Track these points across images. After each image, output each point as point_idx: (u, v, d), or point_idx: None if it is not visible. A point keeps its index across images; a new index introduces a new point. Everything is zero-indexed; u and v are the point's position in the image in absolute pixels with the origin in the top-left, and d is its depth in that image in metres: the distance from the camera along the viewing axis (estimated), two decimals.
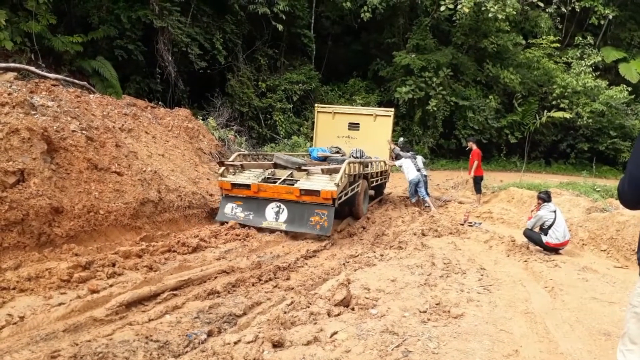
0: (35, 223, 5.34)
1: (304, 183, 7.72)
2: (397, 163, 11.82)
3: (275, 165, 8.57)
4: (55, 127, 6.47)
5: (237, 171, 8.19)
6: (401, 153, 12.17)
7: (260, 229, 7.70)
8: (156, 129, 9.76)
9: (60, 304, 4.08)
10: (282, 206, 7.69)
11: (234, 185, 7.88)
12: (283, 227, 7.65)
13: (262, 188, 7.72)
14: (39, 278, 4.57)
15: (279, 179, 8.01)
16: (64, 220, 5.72)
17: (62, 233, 5.59)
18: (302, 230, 7.60)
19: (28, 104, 6.39)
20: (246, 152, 11.17)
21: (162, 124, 10.28)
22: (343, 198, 8.13)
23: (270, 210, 7.74)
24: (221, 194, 8.15)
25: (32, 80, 8.29)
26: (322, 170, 7.88)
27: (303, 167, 8.11)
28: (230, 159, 8.53)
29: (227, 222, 7.77)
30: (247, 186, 7.78)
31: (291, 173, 8.22)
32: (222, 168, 8.12)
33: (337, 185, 7.48)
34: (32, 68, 9.93)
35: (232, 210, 7.89)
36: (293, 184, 7.73)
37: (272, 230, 7.65)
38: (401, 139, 15.97)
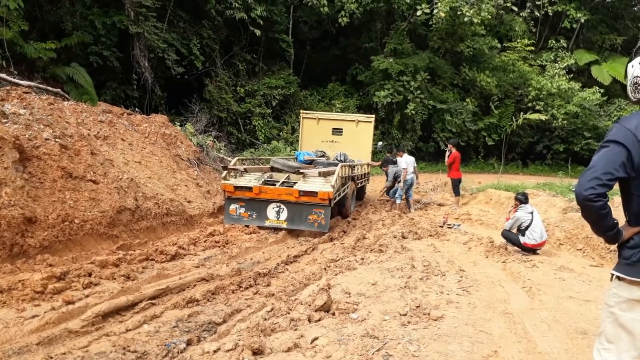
0: (8, 234, 5.21)
1: (302, 185, 8.32)
2: (403, 161, 11.82)
3: (272, 169, 9.11)
4: (27, 136, 6.35)
5: (239, 174, 8.72)
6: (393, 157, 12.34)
7: (248, 229, 8.28)
8: (133, 136, 9.63)
9: (34, 317, 3.99)
10: (282, 206, 8.34)
11: (237, 187, 8.39)
12: (284, 225, 8.35)
13: (263, 190, 8.34)
14: (12, 290, 4.46)
15: (278, 181, 8.62)
16: (37, 230, 5.60)
17: (35, 243, 5.48)
18: (302, 227, 8.37)
19: None
20: (245, 157, 11.51)
21: (139, 131, 10.15)
22: (337, 198, 8.81)
23: (271, 210, 8.36)
24: (224, 197, 8.63)
25: (3, 88, 8.10)
26: (319, 173, 8.50)
27: (300, 171, 8.78)
28: (232, 163, 9.04)
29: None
30: (249, 188, 8.34)
31: (288, 176, 8.87)
32: (225, 172, 8.61)
33: (333, 187, 8.18)
34: (4, 75, 9.71)
35: (236, 211, 8.45)
36: (292, 186, 8.32)
37: (274, 229, 8.38)
38: (380, 142, 16.08)
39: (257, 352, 3.44)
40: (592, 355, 2.50)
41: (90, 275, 5.17)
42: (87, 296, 4.59)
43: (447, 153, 12.62)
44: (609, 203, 2.25)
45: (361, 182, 12.41)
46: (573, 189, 11.50)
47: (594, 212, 2.23)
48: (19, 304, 4.28)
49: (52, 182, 6.21)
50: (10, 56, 11.85)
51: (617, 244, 2.41)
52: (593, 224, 2.33)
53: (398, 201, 11.90)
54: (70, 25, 13.92)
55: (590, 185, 2.17)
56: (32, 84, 9.84)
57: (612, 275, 2.41)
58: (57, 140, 6.71)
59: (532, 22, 27.18)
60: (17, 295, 4.41)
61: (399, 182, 11.77)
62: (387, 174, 12.36)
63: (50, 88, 10.32)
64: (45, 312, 4.08)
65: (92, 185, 6.77)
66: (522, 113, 23.27)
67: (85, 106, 9.39)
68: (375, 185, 16.13)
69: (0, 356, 3.34)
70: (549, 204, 10.29)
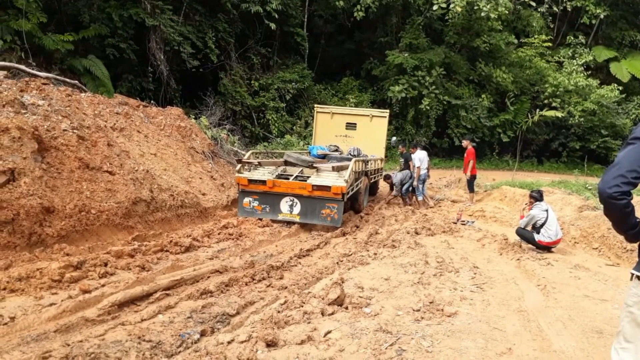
0: (26, 223, 5.29)
1: (315, 179, 8.28)
2: (418, 156, 11.79)
3: (286, 163, 9.14)
4: (46, 126, 6.42)
5: (252, 168, 8.73)
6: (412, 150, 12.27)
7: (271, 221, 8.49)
8: (148, 128, 9.70)
9: (51, 304, 4.06)
10: (295, 200, 8.35)
11: (251, 181, 8.41)
12: (297, 219, 8.39)
13: (276, 184, 8.34)
14: (30, 278, 4.54)
15: (291, 175, 8.59)
16: (55, 219, 5.68)
17: (53, 233, 5.56)
18: (315, 221, 8.39)
19: (18, 102, 6.33)
20: (259, 151, 11.54)
21: (154, 123, 10.22)
22: (350, 193, 8.79)
23: (284, 203, 8.37)
24: (238, 190, 8.67)
25: (22, 79, 8.21)
26: (332, 167, 8.48)
27: (314, 165, 8.76)
28: (246, 157, 9.07)
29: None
30: (263, 182, 8.34)
31: (302, 170, 8.82)
32: (239, 165, 8.63)
33: (346, 182, 8.16)
34: (23, 67, 9.83)
35: (250, 204, 8.48)
36: (305, 180, 8.29)
37: (287, 223, 8.42)
38: (394, 138, 16.01)
39: (270, 344, 3.46)
40: (609, 355, 2.47)
41: (106, 265, 5.24)
42: (103, 285, 4.66)
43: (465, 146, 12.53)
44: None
45: (374, 177, 12.38)
46: (590, 187, 11.36)
47: (617, 210, 2.19)
48: (37, 292, 4.35)
49: (70, 173, 6.29)
50: (28, 48, 12.00)
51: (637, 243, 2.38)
52: (615, 222, 2.29)
53: (420, 198, 11.89)
54: (87, 18, 14.05)
55: (614, 182, 2.13)
56: (50, 75, 9.95)
57: (632, 274, 2.37)
58: (74, 131, 6.78)
59: (550, 18, 26.79)
60: (35, 283, 4.48)
61: (405, 182, 11.82)
62: (392, 185, 12.26)
63: (67, 80, 10.43)
64: (62, 301, 4.15)
65: (108, 176, 6.85)
66: (538, 110, 22.97)
67: (102, 98, 9.48)
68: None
69: (19, 342, 3.40)
70: (565, 202, 10.19)
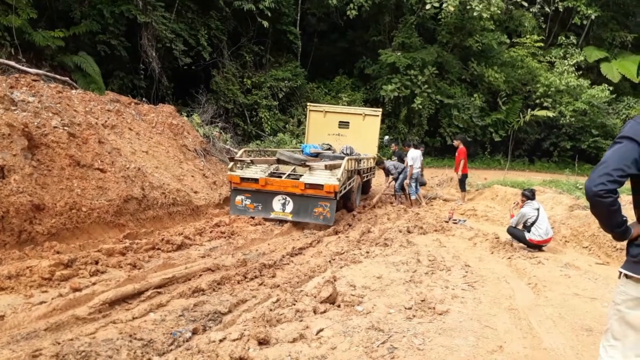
0: (16, 220, 5.25)
1: (308, 177, 8.27)
2: (411, 155, 11.83)
3: (279, 161, 9.10)
4: (36, 123, 6.37)
5: (245, 166, 8.68)
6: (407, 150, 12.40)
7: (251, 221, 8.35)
8: (140, 126, 9.65)
9: (41, 303, 4.03)
10: (288, 198, 8.31)
11: (243, 179, 8.36)
12: (290, 217, 8.35)
13: (269, 182, 8.30)
14: (20, 276, 4.50)
15: (284, 173, 8.57)
16: (45, 217, 5.64)
17: (43, 230, 5.51)
18: (307, 220, 8.36)
19: (8, 99, 6.28)
20: (251, 149, 11.51)
21: (146, 121, 10.17)
22: (343, 192, 8.78)
23: (277, 202, 8.34)
24: (230, 188, 8.65)
25: (12, 76, 8.13)
26: (325, 166, 8.43)
27: (307, 163, 8.74)
28: (238, 155, 9.00)
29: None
30: (256, 180, 8.30)
31: (294, 168, 8.80)
32: (232, 163, 8.57)
33: (339, 180, 8.13)
34: (12, 63, 9.74)
35: (242, 202, 8.44)
36: (298, 179, 8.26)
37: (279, 221, 8.40)
38: (386, 137, 16.04)
39: (262, 342, 3.46)
40: (598, 352, 2.50)
41: (97, 263, 5.21)
42: (94, 284, 4.63)
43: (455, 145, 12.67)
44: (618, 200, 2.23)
45: (367, 176, 12.40)
46: (581, 187, 11.44)
47: (604, 208, 2.20)
48: (27, 290, 4.32)
49: (60, 170, 6.24)
50: (19, 44, 11.89)
51: (626, 242, 2.40)
52: (602, 220, 2.31)
53: (413, 197, 11.94)
54: (78, 14, 13.94)
55: (600, 181, 2.15)
56: (40, 72, 9.87)
57: (620, 272, 2.39)
58: (65, 128, 6.73)
59: (542, 18, 26.95)
60: (25, 281, 4.45)
61: (396, 175, 11.93)
62: (387, 171, 12.39)
63: (58, 76, 10.35)
64: (52, 299, 4.12)
65: (99, 173, 6.81)
66: (529, 109, 23.07)
67: (93, 95, 9.41)
68: (381, 179, 16.11)
69: (8, 341, 3.37)
70: (555, 201, 10.25)
